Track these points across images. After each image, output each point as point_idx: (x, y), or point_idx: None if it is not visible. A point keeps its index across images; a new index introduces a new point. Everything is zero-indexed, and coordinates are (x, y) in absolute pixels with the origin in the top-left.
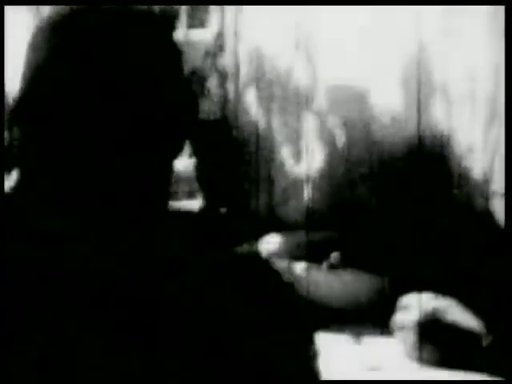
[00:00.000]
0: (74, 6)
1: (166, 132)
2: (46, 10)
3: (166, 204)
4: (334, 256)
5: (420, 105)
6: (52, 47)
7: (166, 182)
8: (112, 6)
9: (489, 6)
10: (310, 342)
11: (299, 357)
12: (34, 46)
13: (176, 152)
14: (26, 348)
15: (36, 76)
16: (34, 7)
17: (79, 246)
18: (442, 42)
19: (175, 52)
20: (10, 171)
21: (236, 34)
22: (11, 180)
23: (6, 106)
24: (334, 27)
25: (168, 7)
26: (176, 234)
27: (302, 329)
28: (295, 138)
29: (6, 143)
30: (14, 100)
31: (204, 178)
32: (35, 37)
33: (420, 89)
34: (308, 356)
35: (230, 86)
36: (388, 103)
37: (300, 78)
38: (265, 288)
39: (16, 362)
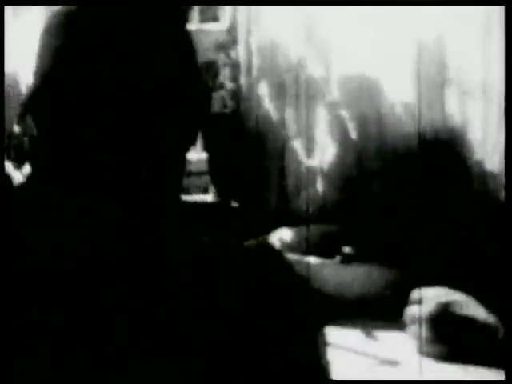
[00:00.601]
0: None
1: (178, 124)
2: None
3: (179, 196)
4: (347, 249)
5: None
6: (65, 38)
7: (178, 174)
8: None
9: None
10: (320, 335)
11: (309, 349)
12: (47, 37)
13: (188, 144)
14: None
15: (50, 67)
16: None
17: (90, 237)
18: (455, 35)
19: (188, 44)
20: (21, 163)
21: (248, 26)
22: (24, 171)
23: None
24: (346, 19)
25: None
26: (188, 225)
27: (313, 322)
28: (308, 131)
29: (15, 136)
30: (27, 92)
31: (216, 172)
32: (49, 27)
33: (430, 80)
34: (317, 349)
35: (243, 79)
36: (401, 95)
37: (312, 70)
38: (277, 280)
39: (22, 358)
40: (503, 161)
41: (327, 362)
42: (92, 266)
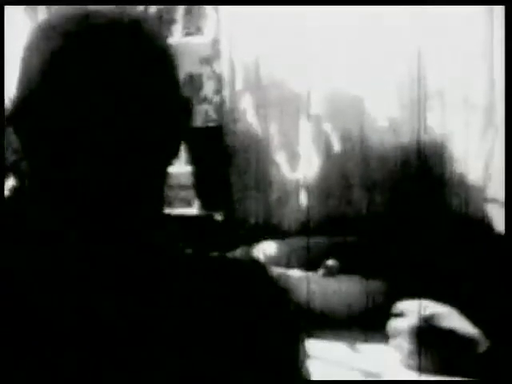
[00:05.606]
0: (69, 12)
1: (159, 137)
2: (42, 13)
3: (161, 208)
4: (330, 262)
5: (419, 111)
6: (45, 53)
7: (160, 187)
8: (105, 12)
9: (488, 6)
10: (302, 347)
11: (290, 361)
12: (29, 51)
13: (170, 158)
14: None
15: (31, 81)
16: (30, 9)
17: (75, 248)
18: (438, 48)
19: (168, 58)
20: (8, 173)
21: (232, 40)
22: (9, 182)
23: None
24: (331, 33)
25: (163, 13)
26: (171, 238)
27: (295, 334)
28: (291, 145)
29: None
30: (10, 105)
31: (200, 185)
32: (31, 41)
33: (418, 95)
34: (299, 361)
35: (226, 93)
36: (384, 110)
37: (296, 84)
38: (260, 293)
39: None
40: (487, 172)
41: (308, 374)
42: (77, 278)
